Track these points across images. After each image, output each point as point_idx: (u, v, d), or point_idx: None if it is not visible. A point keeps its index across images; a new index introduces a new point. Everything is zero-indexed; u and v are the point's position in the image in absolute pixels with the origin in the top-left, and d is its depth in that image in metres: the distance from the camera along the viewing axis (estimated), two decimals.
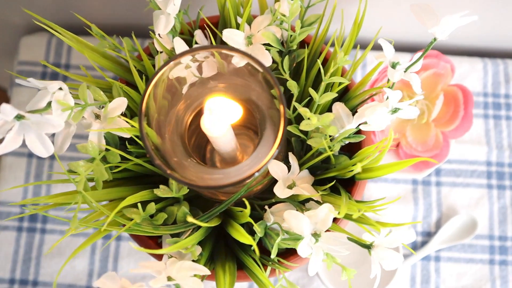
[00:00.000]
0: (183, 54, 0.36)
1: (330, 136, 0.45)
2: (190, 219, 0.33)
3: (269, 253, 0.43)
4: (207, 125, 0.36)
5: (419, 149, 0.58)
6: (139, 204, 0.39)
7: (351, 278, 0.44)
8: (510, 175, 0.68)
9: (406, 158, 0.59)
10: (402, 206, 0.67)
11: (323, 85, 0.42)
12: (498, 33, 0.71)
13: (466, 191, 0.68)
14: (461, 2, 0.64)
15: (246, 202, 0.38)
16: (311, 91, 0.42)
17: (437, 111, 0.56)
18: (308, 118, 0.40)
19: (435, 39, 0.39)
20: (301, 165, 0.45)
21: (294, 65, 0.48)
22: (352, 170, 0.44)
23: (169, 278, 0.36)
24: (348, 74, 0.48)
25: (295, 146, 0.48)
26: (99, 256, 0.65)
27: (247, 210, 0.39)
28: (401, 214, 0.66)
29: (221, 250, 0.47)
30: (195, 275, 0.40)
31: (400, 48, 0.70)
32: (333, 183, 0.42)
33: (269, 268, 0.45)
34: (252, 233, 0.43)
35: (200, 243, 0.45)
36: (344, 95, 0.49)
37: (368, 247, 0.40)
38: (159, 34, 0.45)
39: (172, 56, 0.43)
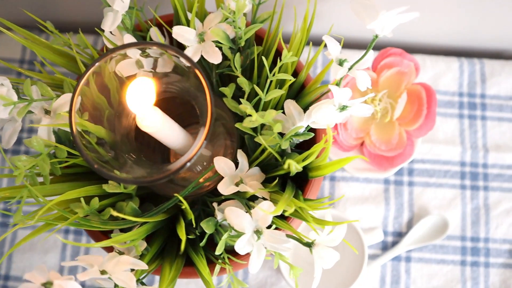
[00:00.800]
0: (115, 49, 0.36)
1: (282, 134, 0.45)
2: (114, 213, 0.33)
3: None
4: (138, 116, 0.36)
5: (383, 148, 0.57)
6: (81, 199, 0.40)
7: (297, 277, 0.44)
8: (484, 176, 0.67)
9: (370, 157, 0.58)
10: (373, 206, 0.66)
11: (269, 82, 0.42)
12: (476, 32, 0.70)
13: (439, 191, 0.67)
14: (438, 1, 0.64)
15: (181, 198, 0.38)
16: (257, 88, 0.42)
17: (400, 109, 0.56)
18: (250, 115, 0.40)
19: (376, 36, 0.39)
20: (252, 163, 0.46)
21: (248, 62, 0.48)
22: (303, 166, 0.44)
23: (103, 272, 0.36)
24: (303, 71, 0.48)
25: (249, 144, 0.48)
26: (70, 252, 0.66)
27: (185, 206, 0.39)
28: (371, 214, 0.66)
29: (173, 247, 0.47)
30: (135, 271, 0.40)
31: (365, 45, 0.69)
32: (276, 181, 0.42)
33: (218, 266, 0.45)
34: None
35: (149, 239, 0.46)
36: (301, 92, 0.49)
37: (309, 245, 0.40)
38: (110, 32, 0.46)
39: (122, 55, 0.43)
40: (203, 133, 0.33)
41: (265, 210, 0.38)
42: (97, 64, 0.36)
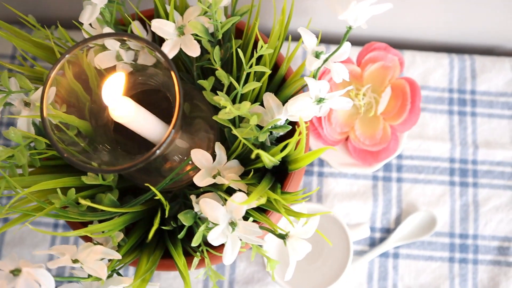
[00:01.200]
0: (89, 39, 0.36)
1: (262, 127, 0.46)
2: (82, 201, 0.34)
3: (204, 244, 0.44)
4: (109, 106, 0.36)
5: (367, 142, 0.57)
6: (58, 190, 0.40)
7: (274, 269, 0.44)
8: (473, 172, 0.67)
9: (355, 152, 0.58)
10: (361, 202, 0.66)
11: (245, 75, 0.42)
12: (467, 28, 0.70)
13: (428, 187, 0.67)
14: None
15: (154, 189, 0.38)
16: (233, 80, 0.42)
17: (384, 104, 0.55)
18: (225, 107, 0.40)
19: (350, 28, 0.39)
20: (231, 155, 0.46)
21: (228, 55, 0.48)
22: (281, 160, 0.44)
23: (75, 261, 0.37)
24: (284, 64, 0.48)
25: (228, 137, 0.48)
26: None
27: (159, 196, 0.39)
28: (360, 210, 0.66)
29: (152, 239, 0.47)
30: (110, 261, 0.40)
31: (353, 41, 0.69)
32: (252, 173, 0.42)
33: (196, 258, 0.45)
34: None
35: (129, 231, 0.46)
36: (282, 85, 0.49)
37: (282, 237, 0.40)
38: (91, 25, 0.46)
39: (100, 46, 0.44)
40: (172, 122, 0.33)
41: (237, 201, 0.38)
42: (71, 53, 0.36)
